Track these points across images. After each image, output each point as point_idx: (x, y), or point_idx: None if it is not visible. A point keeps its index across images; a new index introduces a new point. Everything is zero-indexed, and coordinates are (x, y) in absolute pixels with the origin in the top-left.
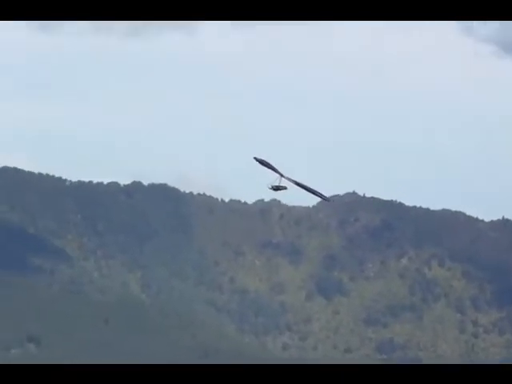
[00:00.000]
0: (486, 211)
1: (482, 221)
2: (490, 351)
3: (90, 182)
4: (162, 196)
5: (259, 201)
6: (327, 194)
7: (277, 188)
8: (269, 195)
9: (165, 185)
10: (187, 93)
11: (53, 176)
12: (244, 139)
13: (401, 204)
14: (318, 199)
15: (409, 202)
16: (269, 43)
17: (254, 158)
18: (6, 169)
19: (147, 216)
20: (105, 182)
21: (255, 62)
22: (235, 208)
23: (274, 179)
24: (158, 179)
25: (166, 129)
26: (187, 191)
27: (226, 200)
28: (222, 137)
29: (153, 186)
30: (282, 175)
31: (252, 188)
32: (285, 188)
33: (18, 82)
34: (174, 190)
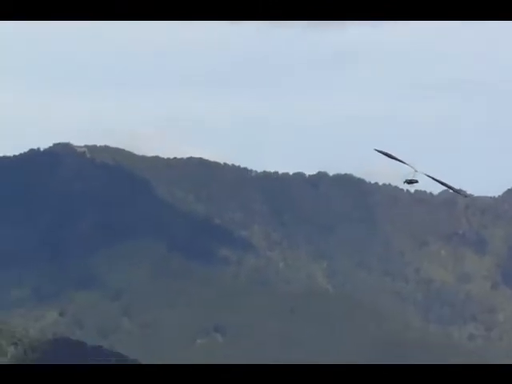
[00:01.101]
0: None
1: None
2: None
3: (276, 173)
4: (347, 186)
5: (444, 191)
6: (510, 186)
7: (410, 182)
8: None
9: (350, 175)
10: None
11: (238, 166)
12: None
13: None
14: (505, 189)
15: None
16: None
17: (375, 149)
18: (191, 160)
19: (332, 206)
20: (290, 173)
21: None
22: (420, 198)
23: (408, 173)
24: (343, 170)
25: (346, 122)
26: (372, 182)
27: (412, 191)
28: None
29: (338, 177)
30: (415, 169)
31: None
32: (416, 181)
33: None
34: (359, 181)
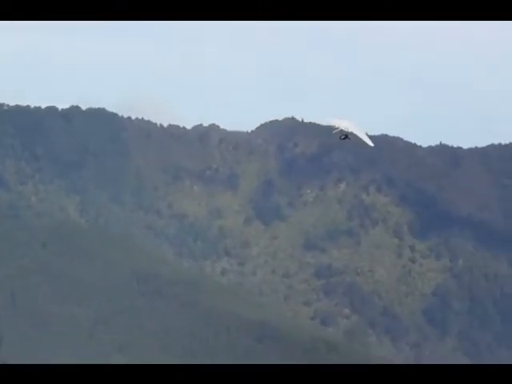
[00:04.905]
0: (423, 137)
1: (420, 147)
2: (427, 276)
3: (28, 107)
4: (100, 121)
5: (198, 126)
6: (266, 120)
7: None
8: (207, 120)
9: (103, 109)
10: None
11: None
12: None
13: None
14: (257, 124)
15: None
16: None
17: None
18: None
19: (85, 141)
20: (43, 107)
21: None
22: (174, 133)
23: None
24: (97, 104)
25: (107, 53)
26: (125, 116)
27: (165, 125)
28: (163, 61)
29: (91, 111)
30: None
31: (191, 113)
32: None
33: None
34: (113, 115)
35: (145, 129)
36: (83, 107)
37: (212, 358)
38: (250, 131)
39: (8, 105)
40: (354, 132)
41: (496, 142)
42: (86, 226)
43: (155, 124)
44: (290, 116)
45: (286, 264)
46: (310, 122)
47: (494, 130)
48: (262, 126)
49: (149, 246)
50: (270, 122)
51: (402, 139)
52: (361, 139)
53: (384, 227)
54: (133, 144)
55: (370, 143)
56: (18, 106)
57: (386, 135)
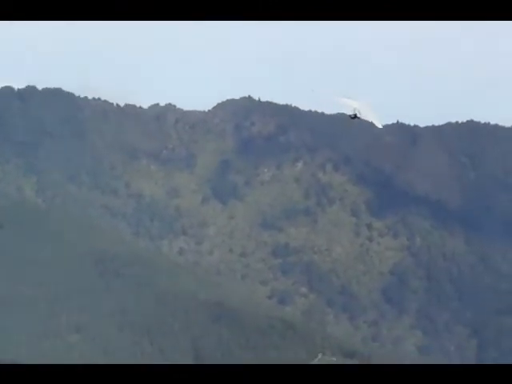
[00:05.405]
0: (380, 115)
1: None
2: (384, 254)
3: None
4: (57, 101)
5: (154, 105)
6: (222, 99)
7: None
8: (164, 100)
9: (59, 89)
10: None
11: None
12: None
13: (296, 108)
14: (214, 104)
15: (304, 106)
16: None
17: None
18: None
19: (42, 121)
20: None
21: None
22: (130, 113)
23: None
24: (53, 84)
25: (64, 33)
26: (82, 96)
27: (122, 105)
28: (120, 43)
29: (47, 91)
30: None
31: (148, 93)
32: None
33: None
34: (69, 95)
35: (101, 109)
36: (39, 87)
37: (168, 337)
38: (206, 110)
39: None
40: (363, 112)
41: (453, 120)
42: (42, 206)
43: (112, 104)
44: (246, 95)
45: (243, 243)
46: (267, 101)
47: (451, 109)
48: (218, 105)
49: (106, 225)
50: (227, 101)
51: (358, 118)
52: (370, 118)
53: (341, 206)
54: (89, 124)
55: (379, 125)
56: None
57: (343, 114)
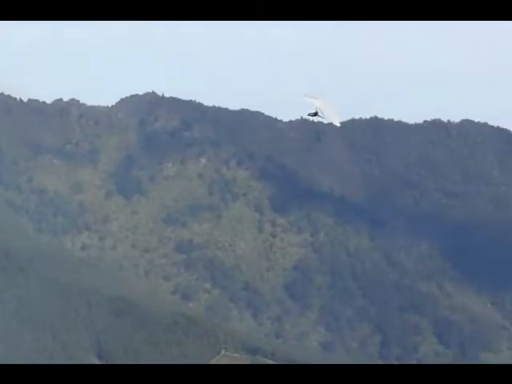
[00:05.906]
0: (284, 111)
1: (281, 121)
2: (288, 250)
3: None
4: None
5: (58, 100)
6: (126, 95)
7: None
8: (68, 95)
9: None
10: None
11: None
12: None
13: (200, 104)
14: (118, 99)
15: (208, 101)
16: None
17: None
18: None
19: None
20: None
21: None
22: (34, 108)
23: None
24: None
25: None
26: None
27: (25, 100)
28: (23, 36)
29: None
30: None
31: (51, 88)
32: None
33: None
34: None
35: (4, 103)
36: None
37: (71, 332)
38: (110, 106)
39: None
40: (324, 110)
41: (357, 116)
42: None
43: (15, 99)
44: (150, 91)
45: (147, 238)
46: (171, 97)
47: (355, 105)
48: (122, 100)
49: (9, 221)
50: (131, 96)
51: (262, 113)
52: (330, 117)
53: (245, 202)
54: None
55: (337, 123)
56: None
57: (246, 109)
